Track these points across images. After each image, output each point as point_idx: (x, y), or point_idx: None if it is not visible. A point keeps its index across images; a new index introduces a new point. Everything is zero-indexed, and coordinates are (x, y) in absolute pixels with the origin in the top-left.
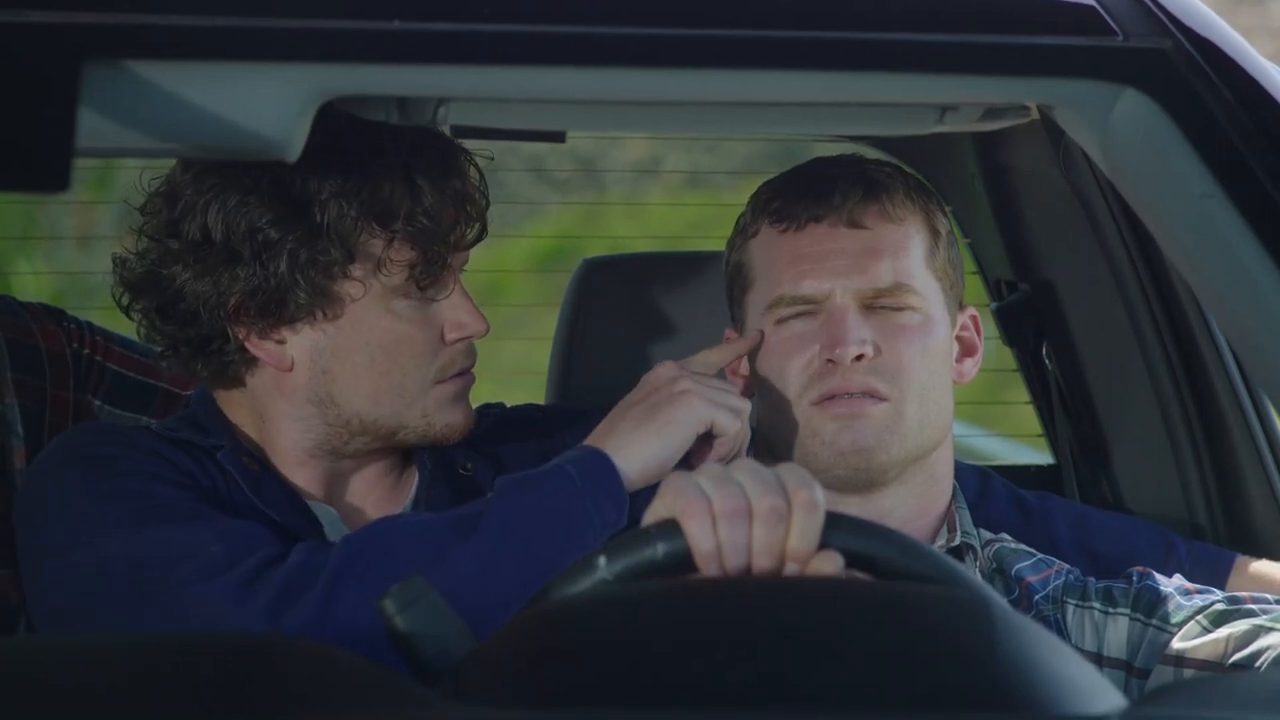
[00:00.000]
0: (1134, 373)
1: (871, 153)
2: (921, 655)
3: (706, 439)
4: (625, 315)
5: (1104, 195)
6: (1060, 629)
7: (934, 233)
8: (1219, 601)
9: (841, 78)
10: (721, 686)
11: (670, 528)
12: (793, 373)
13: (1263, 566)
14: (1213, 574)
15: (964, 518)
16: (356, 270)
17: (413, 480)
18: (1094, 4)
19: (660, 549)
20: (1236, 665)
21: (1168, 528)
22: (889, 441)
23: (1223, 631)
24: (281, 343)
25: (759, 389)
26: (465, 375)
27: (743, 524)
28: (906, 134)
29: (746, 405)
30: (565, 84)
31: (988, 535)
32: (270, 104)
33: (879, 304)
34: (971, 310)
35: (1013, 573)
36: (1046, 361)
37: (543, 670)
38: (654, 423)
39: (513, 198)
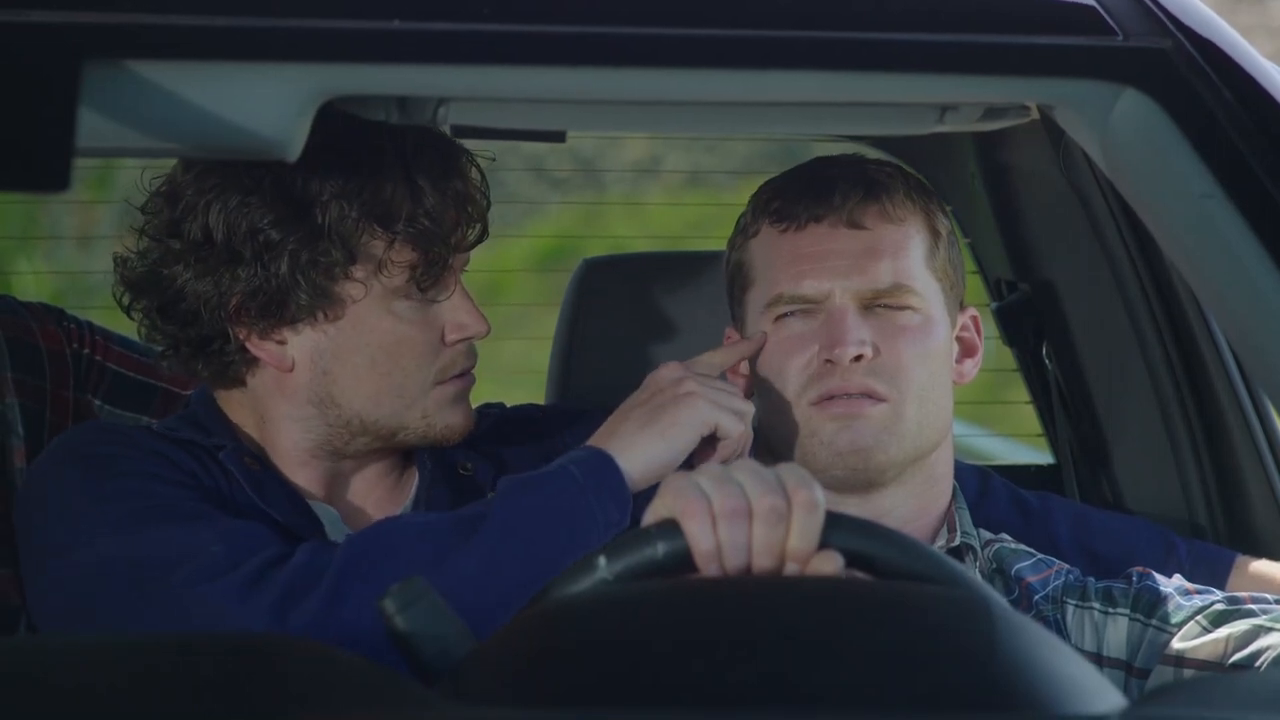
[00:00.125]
0: (1134, 373)
1: (872, 153)
2: (921, 655)
3: (710, 441)
4: (625, 315)
5: (1104, 195)
6: (1060, 629)
7: (934, 233)
8: (1219, 601)
9: (841, 78)
10: (721, 686)
11: (670, 527)
12: (792, 373)
13: (1263, 566)
14: (1213, 574)
15: (964, 518)
16: (357, 271)
17: (413, 480)
18: (1094, 4)
19: (660, 549)
20: (1236, 665)
21: (1168, 528)
22: (887, 442)
23: (1222, 631)
24: (282, 343)
25: (758, 388)
26: (466, 376)
27: (743, 524)
28: (906, 134)
29: (750, 408)
30: (565, 84)
31: (988, 535)
32: (270, 104)
33: (879, 304)
34: (972, 310)
35: (1012, 573)
36: (1046, 361)
37: (543, 670)
38: (658, 424)
39: (513, 197)
